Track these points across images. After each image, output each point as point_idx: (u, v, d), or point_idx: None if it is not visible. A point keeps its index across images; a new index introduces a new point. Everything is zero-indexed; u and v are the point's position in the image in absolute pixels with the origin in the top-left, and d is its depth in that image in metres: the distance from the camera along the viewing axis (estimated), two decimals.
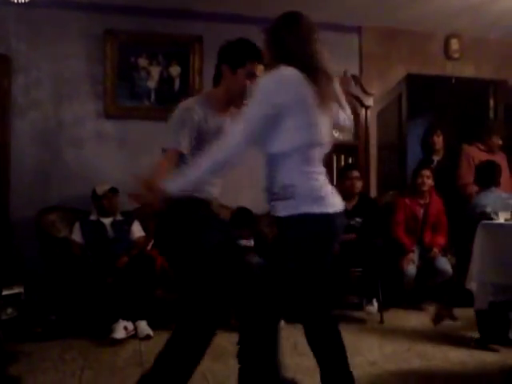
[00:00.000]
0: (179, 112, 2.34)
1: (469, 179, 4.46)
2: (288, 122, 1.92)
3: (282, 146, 1.95)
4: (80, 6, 4.44)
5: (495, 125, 5.17)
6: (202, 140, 2.31)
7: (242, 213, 4.34)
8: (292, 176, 1.95)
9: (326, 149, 2.06)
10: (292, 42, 2.00)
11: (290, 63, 1.94)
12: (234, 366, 3.02)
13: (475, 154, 4.69)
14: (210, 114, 2.37)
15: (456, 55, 5.39)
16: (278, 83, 1.93)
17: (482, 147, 4.78)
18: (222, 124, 2.38)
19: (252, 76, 2.38)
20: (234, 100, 2.43)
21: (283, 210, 1.98)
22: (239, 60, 2.38)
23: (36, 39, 4.39)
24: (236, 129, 1.96)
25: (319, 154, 2.02)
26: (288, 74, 1.93)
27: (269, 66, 2.08)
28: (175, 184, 1.96)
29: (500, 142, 4.79)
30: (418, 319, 4.13)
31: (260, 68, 2.39)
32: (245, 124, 1.94)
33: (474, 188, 4.29)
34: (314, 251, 2.00)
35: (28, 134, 4.37)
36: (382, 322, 4.01)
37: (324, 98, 1.96)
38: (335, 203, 2.00)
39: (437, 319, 3.84)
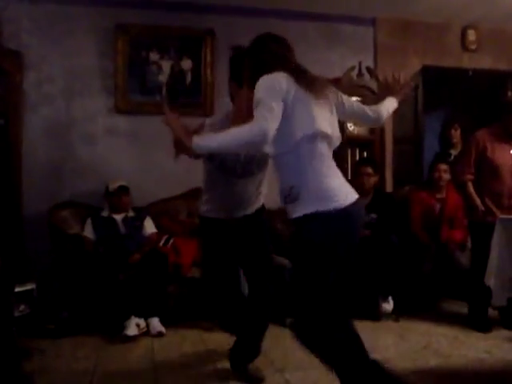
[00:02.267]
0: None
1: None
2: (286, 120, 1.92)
3: (284, 145, 1.95)
4: (91, 0, 4.42)
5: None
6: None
7: None
8: (295, 176, 1.96)
9: (334, 143, 2.04)
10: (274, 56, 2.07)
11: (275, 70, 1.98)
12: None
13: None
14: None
15: (473, 47, 5.29)
16: (274, 82, 1.94)
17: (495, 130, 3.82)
18: None
19: None
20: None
21: (294, 211, 1.99)
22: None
23: (47, 35, 4.38)
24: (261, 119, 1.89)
25: (323, 151, 1.99)
26: (277, 75, 1.95)
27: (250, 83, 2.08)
28: (203, 142, 1.89)
29: None
30: (435, 317, 4.07)
31: None
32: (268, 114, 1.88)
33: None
34: (331, 248, 1.94)
35: (40, 129, 4.36)
36: (397, 319, 3.95)
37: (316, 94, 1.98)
38: (346, 196, 1.96)
39: None
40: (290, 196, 1.97)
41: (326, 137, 1.98)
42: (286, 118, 1.90)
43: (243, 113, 2.33)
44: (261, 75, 1.97)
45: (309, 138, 1.94)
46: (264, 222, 2.82)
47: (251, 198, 2.72)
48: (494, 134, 3.76)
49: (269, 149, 1.97)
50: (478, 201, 3.71)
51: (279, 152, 1.97)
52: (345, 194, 1.97)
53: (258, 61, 2.08)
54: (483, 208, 3.69)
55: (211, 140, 1.90)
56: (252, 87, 1.98)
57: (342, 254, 1.98)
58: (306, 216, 1.92)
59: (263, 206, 2.83)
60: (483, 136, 3.77)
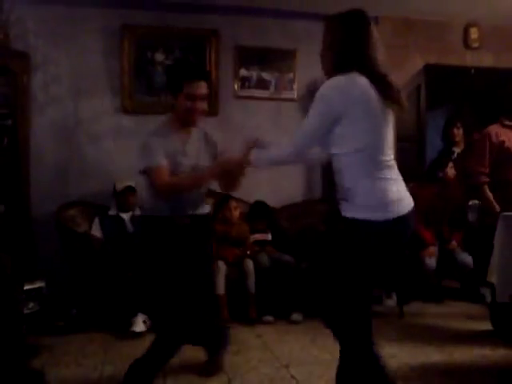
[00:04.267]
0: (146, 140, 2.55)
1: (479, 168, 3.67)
2: (349, 126, 1.89)
3: (344, 148, 1.92)
4: (97, 1, 4.45)
5: None
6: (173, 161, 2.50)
7: (259, 206, 4.34)
8: (353, 179, 1.93)
9: (391, 154, 2.01)
10: (359, 46, 1.95)
11: (353, 68, 1.91)
12: (253, 359, 3.05)
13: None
14: (172, 136, 2.55)
15: (475, 45, 5.29)
16: (338, 92, 1.89)
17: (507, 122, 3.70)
18: (185, 142, 2.57)
19: (191, 98, 2.48)
20: (187, 122, 2.57)
21: (345, 210, 1.97)
22: (176, 86, 2.50)
23: (54, 36, 4.41)
24: (298, 132, 1.99)
25: (385, 158, 1.95)
26: (350, 81, 1.89)
27: (328, 66, 2.04)
28: (261, 160, 2.16)
29: None
30: (438, 313, 4.10)
31: (201, 85, 2.49)
32: (306, 128, 1.96)
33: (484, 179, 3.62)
34: (368, 257, 1.94)
35: (47, 130, 4.40)
36: (401, 315, 3.99)
37: (387, 104, 1.93)
38: (399, 209, 1.92)
39: None
40: (343, 196, 1.97)
41: (384, 150, 1.96)
42: (352, 122, 1.88)
43: (181, 119, 2.55)
44: (338, 63, 1.96)
45: (370, 148, 1.91)
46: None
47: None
48: (505, 126, 3.67)
49: (329, 149, 1.98)
50: (497, 207, 3.54)
51: (337, 152, 1.96)
52: (396, 207, 1.92)
53: (343, 44, 1.98)
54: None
55: (265, 157, 2.16)
56: (324, 66, 2.04)
57: (378, 263, 1.99)
58: (354, 220, 1.92)
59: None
60: (497, 130, 3.65)
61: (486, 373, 2.87)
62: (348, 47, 1.95)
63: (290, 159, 2.10)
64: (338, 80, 1.90)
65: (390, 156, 1.98)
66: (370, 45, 1.95)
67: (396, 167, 2.00)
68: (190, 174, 2.50)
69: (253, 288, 3.90)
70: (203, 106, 2.53)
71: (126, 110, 4.54)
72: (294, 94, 4.88)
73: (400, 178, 2.01)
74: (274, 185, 4.70)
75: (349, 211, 1.94)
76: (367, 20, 2.00)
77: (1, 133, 4.16)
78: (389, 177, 1.95)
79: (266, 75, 4.83)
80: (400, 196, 1.96)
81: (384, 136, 1.94)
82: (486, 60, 5.34)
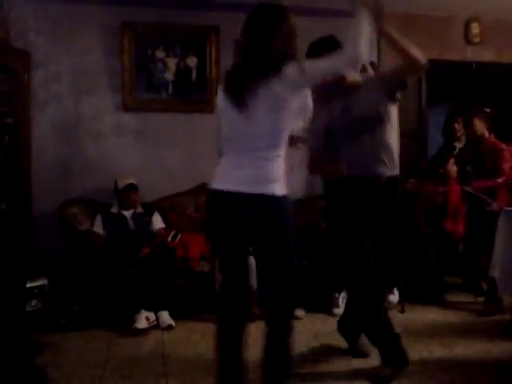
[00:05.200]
0: None
1: None
2: None
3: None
4: None
5: None
6: None
7: None
8: None
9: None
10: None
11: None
12: (254, 355, 3.05)
13: None
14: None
15: (476, 40, 5.29)
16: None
17: None
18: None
19: None
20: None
21: None
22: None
23: (54, 34, 4.42)
24: None
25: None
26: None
27: None
28: None
29: None
30: (440, 308, 4.10)
31: None
32: None
33: None
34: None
35: (48, 128, 4.41)
36: (402, 311, 3.99)
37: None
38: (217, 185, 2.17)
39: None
40: None
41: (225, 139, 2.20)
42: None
43: None
44: None
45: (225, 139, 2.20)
46: None
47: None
48: None
49: None
50: None
51: None
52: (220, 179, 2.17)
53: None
54: None
55: None
56: None
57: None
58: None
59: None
60: None
61: (488, 367, 2.88)
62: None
63: None
64: None
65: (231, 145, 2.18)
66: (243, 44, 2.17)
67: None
68: None
69: (255, 284, 3.90)
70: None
71: (126, 108, 4.55)
72: None
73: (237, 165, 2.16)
74: None
75: None
76: (256, 15, 2.19)
77: (2, 131, 4.17)
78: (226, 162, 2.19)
79: None
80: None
81: (233, 129, 2.13)
82: (488, 55, 5.34)
